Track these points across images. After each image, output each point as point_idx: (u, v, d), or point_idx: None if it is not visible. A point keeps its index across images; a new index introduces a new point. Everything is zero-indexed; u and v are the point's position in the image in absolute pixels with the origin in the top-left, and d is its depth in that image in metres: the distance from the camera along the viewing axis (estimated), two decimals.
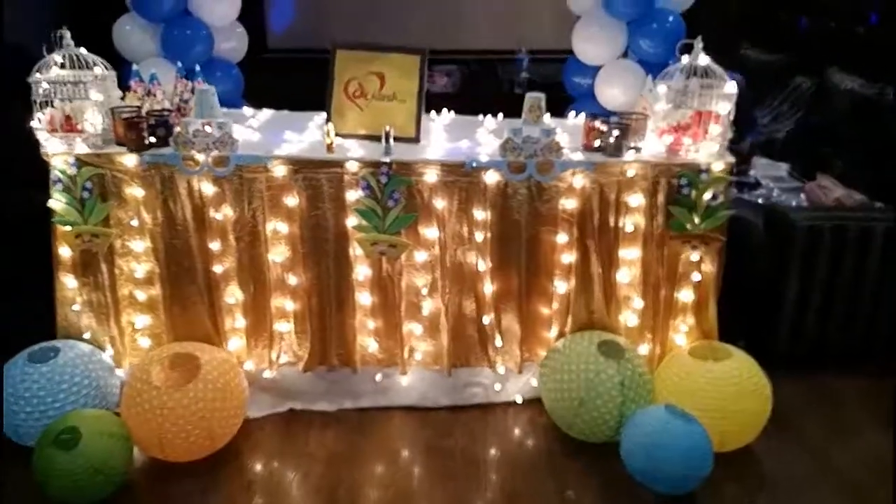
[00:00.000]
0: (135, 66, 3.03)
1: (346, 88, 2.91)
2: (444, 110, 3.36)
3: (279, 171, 2.71)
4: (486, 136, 3.02)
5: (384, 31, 5.29)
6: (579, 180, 2.75)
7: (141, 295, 2.87)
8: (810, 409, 3.08)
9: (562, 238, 2.83)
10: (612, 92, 3.57)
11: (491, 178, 2.74)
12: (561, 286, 2.92)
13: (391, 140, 2.72)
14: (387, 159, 2.70)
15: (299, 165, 2.71)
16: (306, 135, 2.97)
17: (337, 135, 2.80)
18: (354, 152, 2.76)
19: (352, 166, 2.71)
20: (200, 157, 2.66)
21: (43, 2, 4.83)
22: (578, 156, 2.76)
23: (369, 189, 2.71)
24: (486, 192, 2.76)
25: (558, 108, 3.62)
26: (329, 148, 2.73)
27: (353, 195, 2.75)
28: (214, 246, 2.79)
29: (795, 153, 4.57)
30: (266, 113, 3.35)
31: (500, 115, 3.32)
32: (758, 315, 3.35)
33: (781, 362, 3.06)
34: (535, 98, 2.68)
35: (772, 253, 3.34)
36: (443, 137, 3.01)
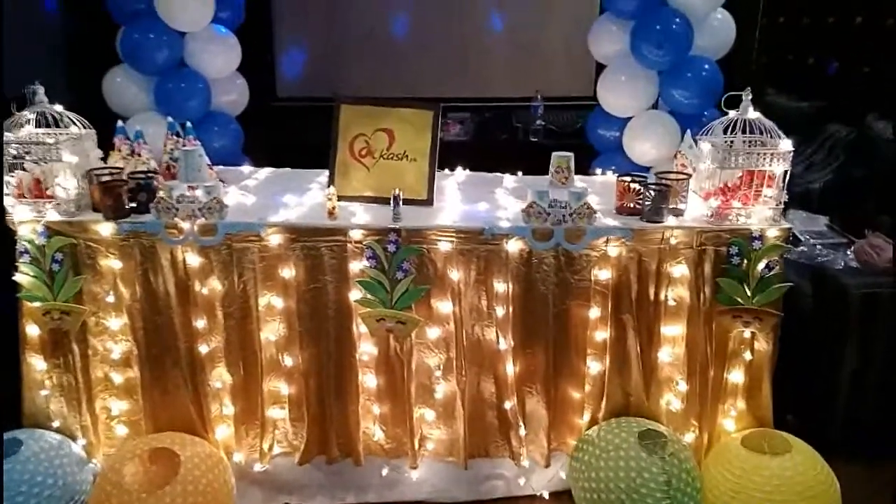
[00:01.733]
0: (119, 123, 2.76)
1: (352, 146, 2.62)
2: (459, 168, 3.06)
3: (274, 239, 2.41)
4: (506, 198, 2.71)
5: (396, 76, 5.09)
6: (614, 248, 2.42)
7: (117, 378, 2.54)
8: None
9: (594, 312, 2.49)
10: (642, 147, 3.28)
11: (513, 246, 2.42)
12: (594, 366, 2.57)
13: (400, 204, 2.42)
14: (395, 226, 2.38)
15: (297, 233, 2.41)
16: (307, 197, 2.67)
17: (340, 198, 2.50)
18: (359, 218, 2.46)
19: (356, 234, 2.40)
20: (185, 224, 2.35)
21: (36, 53, 4.62)
22: (612, 221, 2.44)
23: (375, 259, 2.40)
24: (508, 261, 2.44)
25: (578, 160, 3.33)
26: (331, 214, 2.43)
27: (357, 266, 2.43)
28: (200, 323, 2.47)
29: (835, 206, 4.24)
30: (265, 171, 3.06)
31: (520, 172, 3.01)
32: (808, 392, 2.98)
33: (837, 447, 2.67)
34: (562, 157, 2.38)
35: (823, 322, 2.98)
36: (458, 199, 2.70)
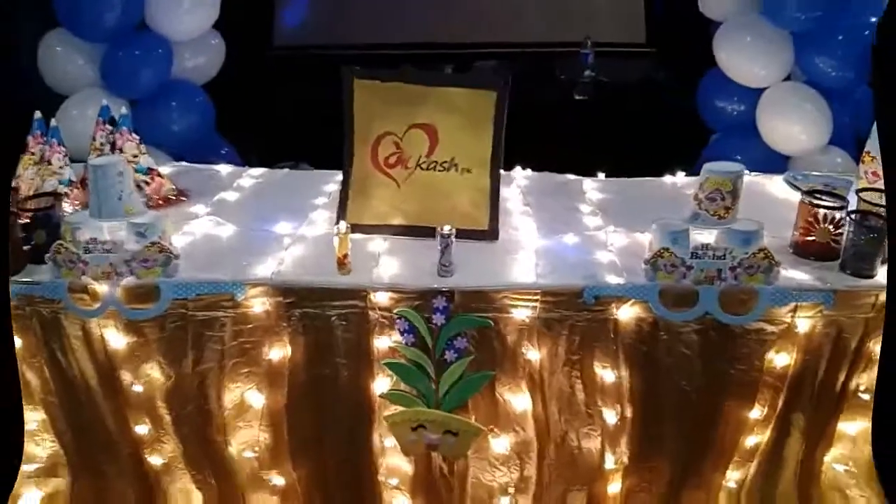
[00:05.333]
0: (37, 115, 1.88)
1: (375, 151, 1.72)
2: (519, 167, 2.15)
3: (256, 305, 1.53)
4: (594, 219, 1.81)
5: (409, 16, 4.14)
6: (805, 320, 1.51)
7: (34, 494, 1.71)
8: None
9: (755, 413, 1.61)
10: (789, 130, 2.32)
11: (628, 313, 1.53)
12: (733, 475, 1.71)
13: (451, 244, 1.52)
14: (444, 286, 1.50)
15: (292, 296, 1.53)
16: (311, 226, 1.78)
17: (357, 229, 1.62)
18: (386, 268, 1.57)
19: (381, 298, 1.52)
20: (102, 287, 1.48)
21: None
22: (801, 275, 1.52)
23: (413, 333, 1.52)
24: (621, 337, 1.55)
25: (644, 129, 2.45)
26: (341, 264, 1.54)
27: (383, 343, 1.56)
28: (142, 429, 1.62)
29: None
30: (253, 175, 2.16)
31: (601, 174, 2.10)
32: None
33: None
34: (723, 175, 1.46)
35: None
36: (528, 223, 1.80)
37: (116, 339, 1.54)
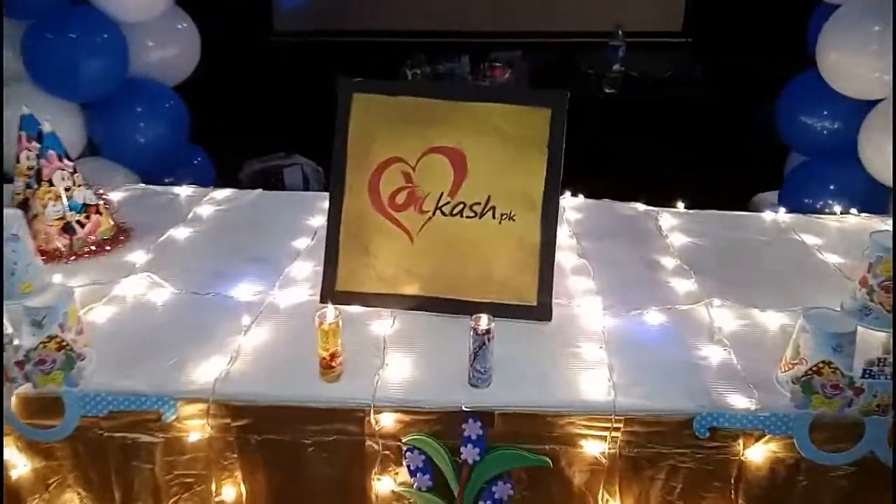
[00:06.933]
0: (25, 110, 1.45)
1: (376, 184, 1.22)
2: (568, 193, 1.62)
3: (194, 430, 1.02)
4: (693, 284, 1.29)
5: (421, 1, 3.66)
6: None
7: None
8: None
9: None
10: None
11: (758, 453, 1.01)
12: None
13: (489, 337, 1.01)
14: (478, 403, 0.99)
15: (246, 416, 1.02)
16: (286, 290, 1.27)
17: (349, 299, 1.13)
18: (394, 371, 1.06)
19: (385, 420, 1.01)
20: None
21: None
22: None
23: (429, 472, 1.02)
24: (743, 484, 1.04)
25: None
26: (328, 367, 1.02)
27: (385, 486, 1.06)
28: None
29: None
30: (216, 199, 1.65)
31: (681, 204, 1.61)
32: None
33: None
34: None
35: None
36: (589, 287, 1.29)
37: (21, 462, 1.03)
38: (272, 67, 3.52)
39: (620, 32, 3.60)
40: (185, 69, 2.13)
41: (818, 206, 1.88)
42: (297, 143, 3.00)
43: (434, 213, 1.21)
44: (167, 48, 2.08)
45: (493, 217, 1.20)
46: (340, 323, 1.02)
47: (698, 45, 3.81)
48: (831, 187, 1.89)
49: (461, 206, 1.21)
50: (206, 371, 1.05)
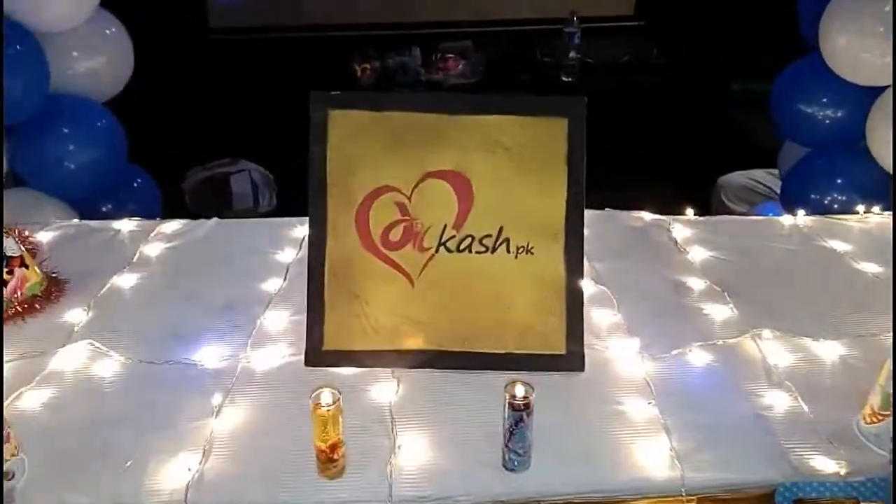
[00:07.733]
0: None
1: (364, 218, 1.01)
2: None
3: None
4: (732, 309, 1.14)
5: None
6: None
7: None
8: None
9: None
10: None
11: None
12: None
13: (530, 416, 0.82)
14: (515, 493, 0.81)
15: None
16: (261, 348, 1.06)
17: (339, 359, 0.94)
18: (408, 457, 0.85)
19: None
20: None
21: None
22: None
23: None
24: None
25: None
26: (329, 461, 0.82)
27: None
28: None
29: None
30: (166, 233, 1.41)
31: (689, 211, 1.44)
32: None
33: None
34: None
35: None
36: (615, 322, 1.12)
37: None
38: (211, 68, 3.26)
39: (575, 19, 3.51)
40: (118, 79, 1.86)
41: (825, 201, 1.75)
42: (242, 147, 2.77)
43: (437, 250, 1.01)
44: (95, 57, 1.79)
45: (508, 251, 1.02)
46: (341, 403, 0.82)
47: (651, 28, 3.74)
48: (838, 181, 1.76)
49: (469, 239, 1.02)
50: (174, 474, 0.83)
